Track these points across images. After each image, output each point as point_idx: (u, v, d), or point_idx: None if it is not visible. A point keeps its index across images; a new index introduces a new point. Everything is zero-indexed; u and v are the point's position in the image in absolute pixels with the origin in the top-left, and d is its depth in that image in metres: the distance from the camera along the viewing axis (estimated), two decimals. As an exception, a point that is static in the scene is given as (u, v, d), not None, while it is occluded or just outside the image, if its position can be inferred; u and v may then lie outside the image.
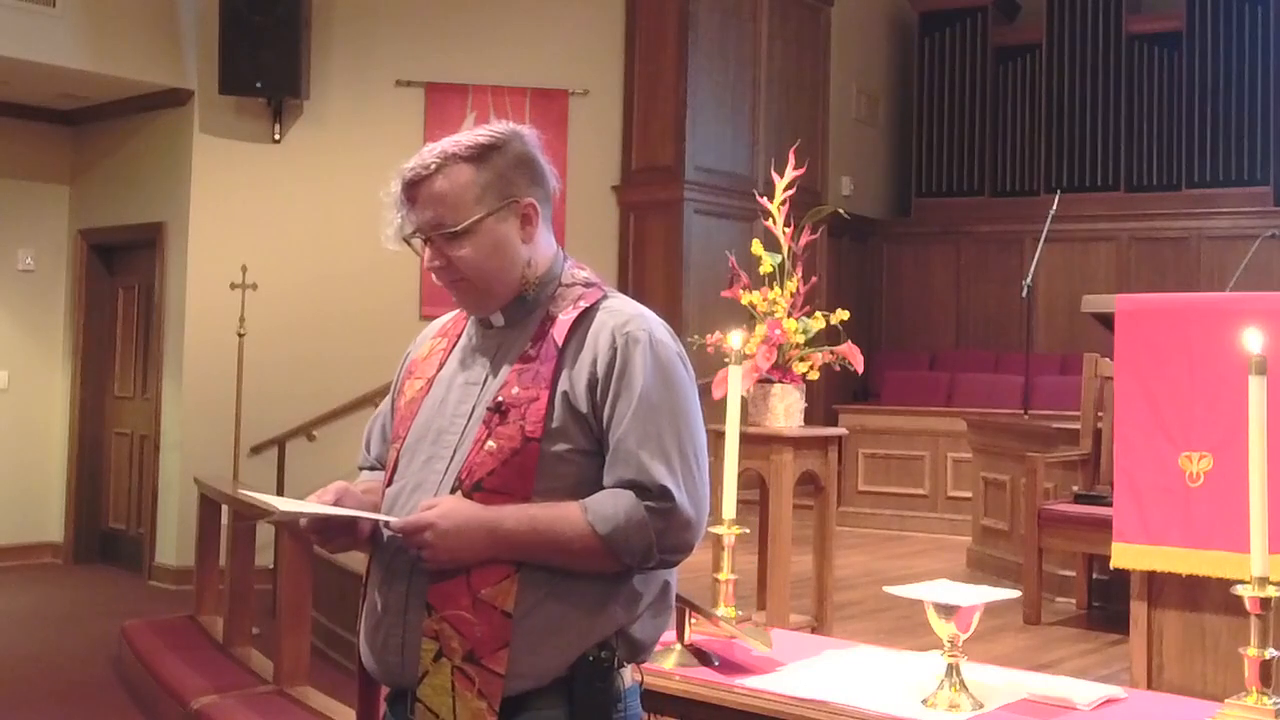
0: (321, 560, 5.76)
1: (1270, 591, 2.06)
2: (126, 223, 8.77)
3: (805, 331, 4.68)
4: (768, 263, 4.75)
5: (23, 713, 5.51)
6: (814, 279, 5.18)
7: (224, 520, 6.11)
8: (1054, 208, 7.67)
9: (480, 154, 1.87)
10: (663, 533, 1.79)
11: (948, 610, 2.23)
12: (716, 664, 2.46)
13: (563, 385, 1.83)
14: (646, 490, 1.78)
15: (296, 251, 8.24)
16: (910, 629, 4.81)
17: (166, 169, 8.46)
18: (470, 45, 8.54)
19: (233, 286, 7.59)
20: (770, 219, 4.85)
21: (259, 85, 7.98)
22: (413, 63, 8.45)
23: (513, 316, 1.93)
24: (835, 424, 8.29)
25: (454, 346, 2.01)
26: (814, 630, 4.70)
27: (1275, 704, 2.06)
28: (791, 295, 4.73)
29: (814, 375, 4.76)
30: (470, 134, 1.90)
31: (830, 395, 9.14)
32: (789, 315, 4.68)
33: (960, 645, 2.25)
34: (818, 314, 4.77)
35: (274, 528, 5.38)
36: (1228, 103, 10.10)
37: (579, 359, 1.84)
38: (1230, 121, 10.10)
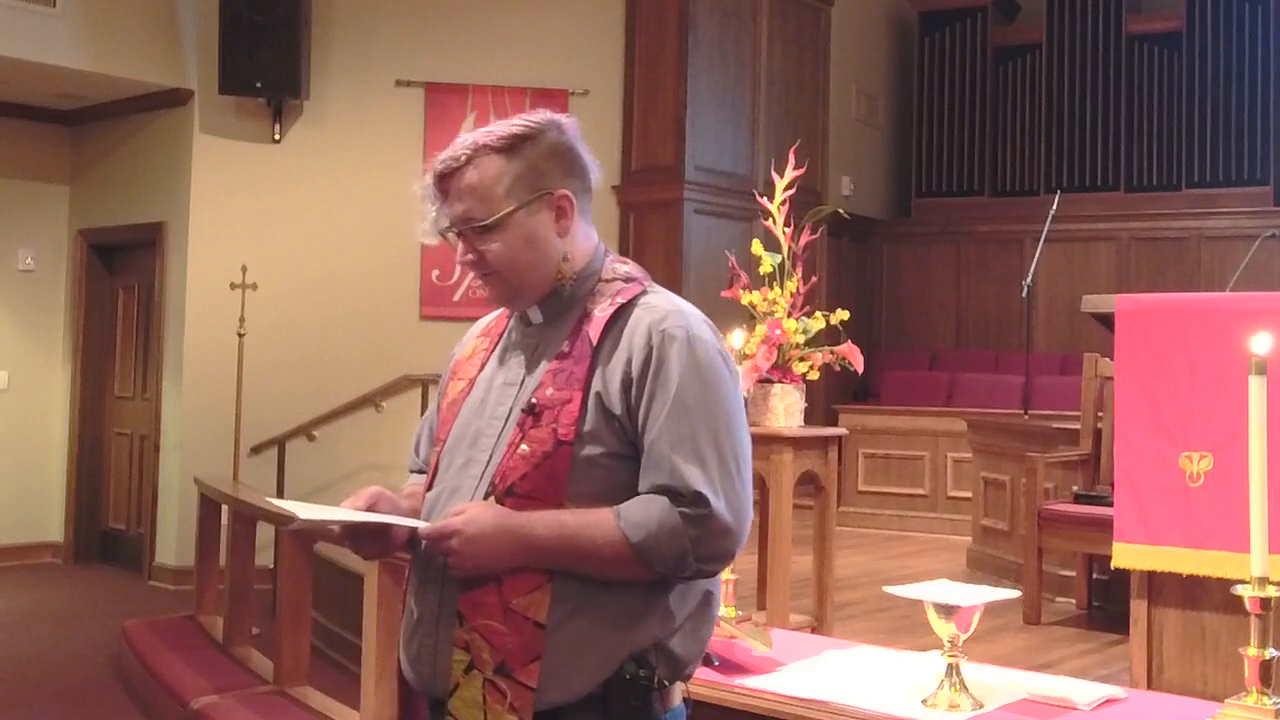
0: (322, 560, 5.76)
1: (1270, 591, 2.06)
2: (126, 223, 8.77)
3: (805, 331, 4.68)
4: (768, 263, 4.75)
5: (23, 713, 5.51)
6: (814, 279, 5.18)
7: (224, 520, 6.11)
8: (1054, 208, 7.67)
9: (512, 144, 1.81)
10: (698, 540, 1.70)
11: (948, 610, 2.24)
12: (716, 664, 2.46)
13: (596, 386, 1.76)
14: (680, 496, 1.70)
15: (296, 251, 8.24)
16: (910, 629, 4.81)
17: (166, 169, 8.46)
18: (470, 45, 8.54)
19: (233, 286, 7.59)
20: (770, 219, 4.85)
21: (259, 85, 7.98)
22: (413, 63, 8.45)
23: (550, 313, 1.86)
24: (835, 424, 8.30)
25: (496, 345, 1.95)
26: (814, 630, 4.70)
27: (1275, 704, 2.06)
28: (791, 295, 4.73)
29: (814, 375, 4.76)
30: (505, 124, 1.84)
31: (830, 395, 9.14)
32: (789, 315, 4.68)
33: (960, 645, 2.25)
34: (818, 314, 4.77)
35: (274, 527, 5.38)
36: (1228, 103, 10.10)
37: (613, 358, 1.77)
38: (1230, 121, 10.10)
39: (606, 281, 1.86)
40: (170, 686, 5.31)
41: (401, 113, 8.39)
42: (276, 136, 8.27)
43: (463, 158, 1.82)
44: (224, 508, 6.08)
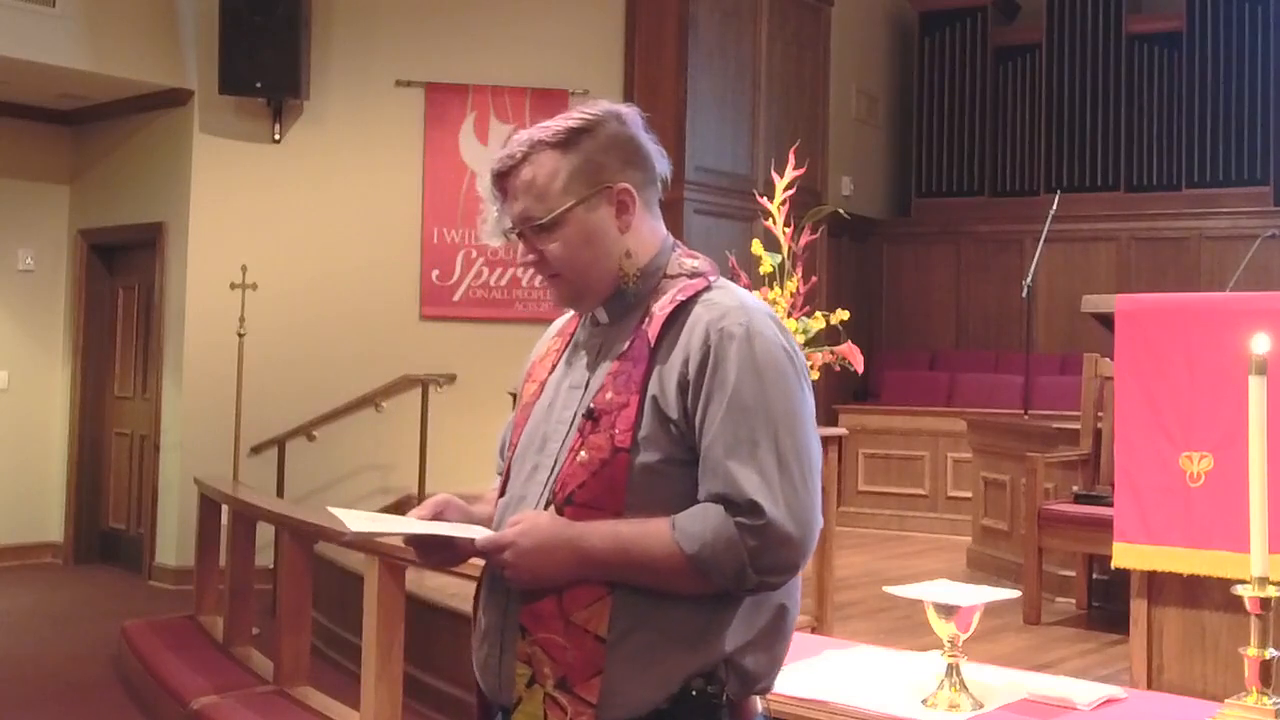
0: (322, 560, 5.76)
1: (1270, 591, 2.06)
2: (126, 223, 8.77)
3: (805, 331, 4.68)
4: (768, 263, 4.75)
5: (23, 713, 5.51)
6: (814, 279, 5.18)
7: (224, 520, 6.11)
8: (1054, 208, 7.67)
9: (568, 139, 1.75)
10: (756, 552, 1.60)
11: (948, 610, 2.24)
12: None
13: (652, 389, 1.68)
14: (735, 505, 1.61)
15: (296, 251, 8.24)
16: (910, 629, 4.81)
17: (166, 169, 8.46)
18: (470, 45, 8.53)
19: (233, 286, 7.58)
20: (770, 219, 4.85)
21: (259, 85, 7.98)
22: (413, 63, 8.45)
23: (615, 312, 1.79)
24: (835, 424, 8.30)
25: (567, 346, 1.88)
26: (814, 630, 4.70)
27: (1275, 704, 2.06)
28: (791, 295, 4.73)
29: (814, 375, 4.75)
30: (562, 118, 1.78)
31: (830, 395, 9.13)
32: (789, 315, 4.68)
33: (960, 645, 2.25)
34: (818, 314, 4.77)
35: (273, 527, 5.38)
36: (1228, 103, 10.10)
37: (671, 358, 1.68)
38: (1230, 121, 10.10)
39: (671, 278, 1.79)
40: (170, 686, 5.31)
41: (401, 113, 8.39)
42: (276, 136, 8.27)
43: (519, 155, 1.76)
44: (224, 508, 6.08)
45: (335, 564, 6.01)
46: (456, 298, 8.20)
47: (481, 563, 1.81)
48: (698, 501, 1.65)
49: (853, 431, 8.02)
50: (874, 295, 11.11)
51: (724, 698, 1.65)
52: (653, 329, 1.72)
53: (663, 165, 1.85)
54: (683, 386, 1.67)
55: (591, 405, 1.71)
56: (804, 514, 1.64)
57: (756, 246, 4.83)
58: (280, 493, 7.58)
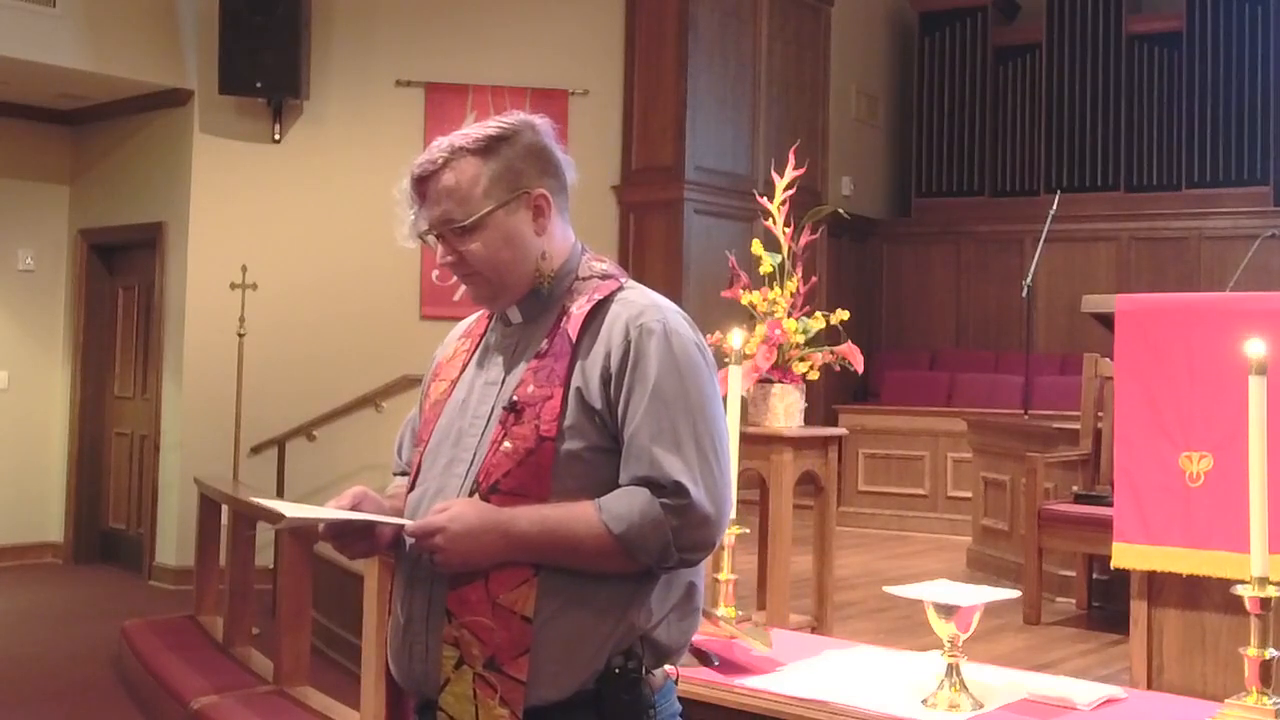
0: (322, 560, 5.76)
1: (1270, 591, 2.06)
2: (126, 223, 8.77)
3: (805, 331, 4.68)
4: (768, 263, 4.75)
5: (23, 713, 5.51)
6: (814, 279, 5.18)
7: (224, 520, 6.11)
8: (1054, 208, 7.67)
9: (488, 146, 1.84)
10: (679, 530, 1.72)
11: (948, 610, 2.24)
12: (716, 664, 2.47)
13: (576, 381, 1.78)
14: (660, 486, 1.72)
15: (296, 251, 8.24)
16: (910, 629, 4.81)
17: (166, 169, 8.46)
18: (470, 45, 8.53)
19: (233, 286, 7.59)
20: (770, 219, 4.85)
21: (259, 85, 7.98)
22: (413, 63, 8.45)
23: (530, 312, 1.89)
24: (835, 424, 8.30)
25: (477, 347, 1.98)
26: (814, 630, 4.70)
27: (1275, 704, 2.06)
28: (791, 295, 4.73)
29: (814, 375, 4.76)
30: (479, 126, 1.87)
31: (830, 395, 9.14)
32: (789, 315, 4.68)
33: (960, 645, 2.25)
34: (818, 314, 4.77)
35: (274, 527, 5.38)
36: (1228, 103, 10.10)
37: (592, 353, 1.79)
38: (1230, 121, 10.10)
39: (583, 279, 1.88)
40: (170, 686, 5.31)
41: (401, 113, 8.39)
42: (276, 136, 8.27)
43: (439, 161, 1.85)
44: (224, 508, 6.08)
45: (335, 564, 6.00)
46: (456, 298, 8.07)
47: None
48: (618, 486, 1.75)
49: (853, 431, 8.02)
50: (874, 295, 11.12)
51: (642, 671, 1.75)
52: (573, 326, 1.82)
53: (571, 175, 1.92)
54: (605, 379, 1.77)
55: (514, 398, 1.80)
56: (720, 496, 1.77)
57: (756, 246, 4.83)
58: (280, 493, 7.58)
